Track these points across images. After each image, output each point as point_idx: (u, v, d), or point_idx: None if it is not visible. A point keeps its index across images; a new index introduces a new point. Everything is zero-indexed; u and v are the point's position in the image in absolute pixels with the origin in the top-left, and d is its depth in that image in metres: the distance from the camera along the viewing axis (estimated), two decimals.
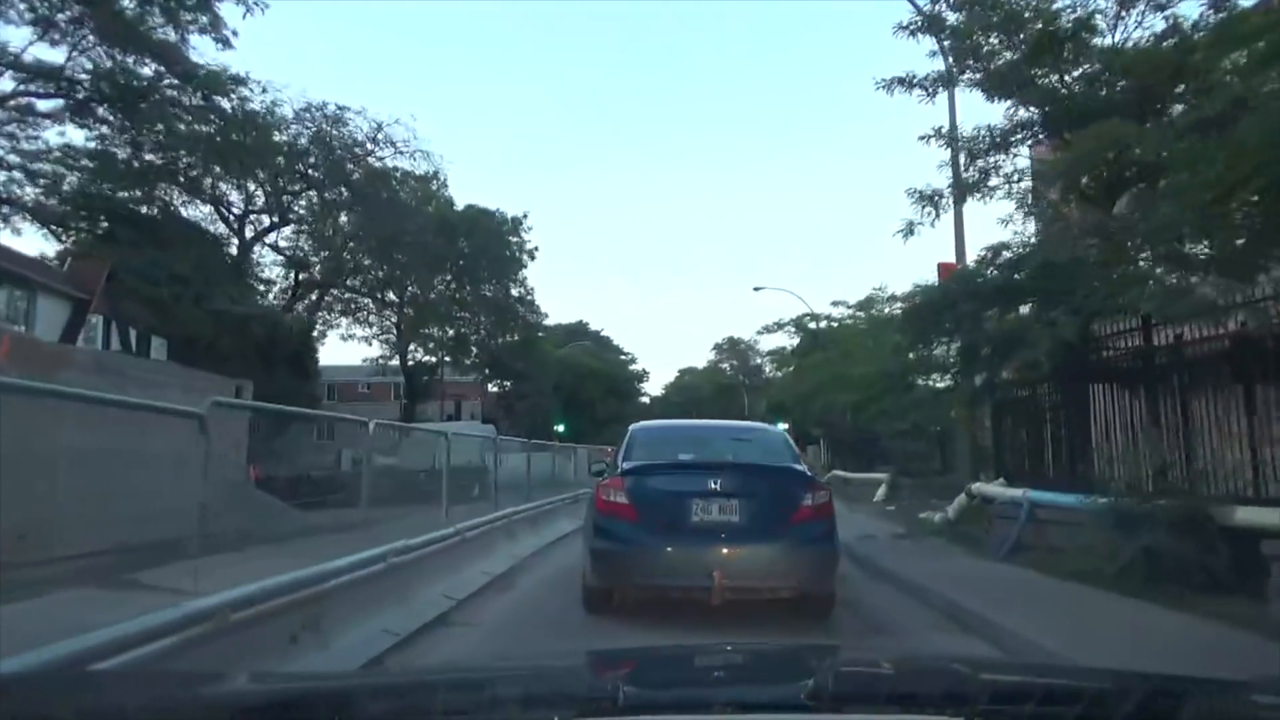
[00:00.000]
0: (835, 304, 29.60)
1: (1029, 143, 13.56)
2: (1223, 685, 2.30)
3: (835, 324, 35.14)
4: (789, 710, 1.99)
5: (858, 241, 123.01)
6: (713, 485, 7.26)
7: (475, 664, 4.83)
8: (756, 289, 42.92)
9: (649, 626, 6.91)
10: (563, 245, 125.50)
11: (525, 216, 40.67)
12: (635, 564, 7.16)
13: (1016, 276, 11.42)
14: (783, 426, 42.28)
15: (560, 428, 56.60)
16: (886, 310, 28.61)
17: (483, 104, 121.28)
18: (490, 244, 36.86)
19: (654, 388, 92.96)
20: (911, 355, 14.02)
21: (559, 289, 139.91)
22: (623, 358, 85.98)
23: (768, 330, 43.19)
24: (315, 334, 48.33)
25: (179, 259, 20.89)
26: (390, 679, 3.29)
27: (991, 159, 13.11)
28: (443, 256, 36.24)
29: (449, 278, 38.72)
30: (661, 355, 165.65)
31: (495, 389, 70.30)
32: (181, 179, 23.17)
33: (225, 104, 22.21)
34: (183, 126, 21.64)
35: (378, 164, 31.30)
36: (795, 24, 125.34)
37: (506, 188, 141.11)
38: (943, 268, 18.82)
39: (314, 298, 36.44)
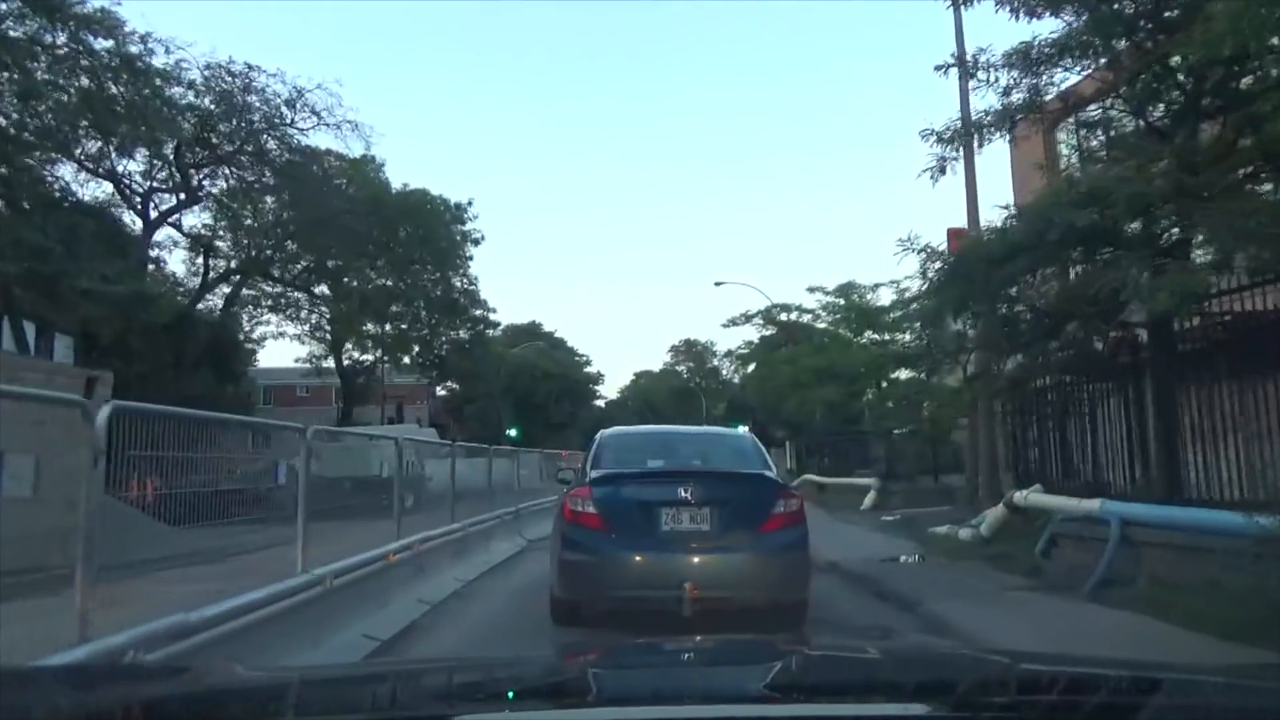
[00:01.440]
0: (811, 290, 26.58)
1: (1087, 63, 10.72)
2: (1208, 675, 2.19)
3: (810, 314, 32.34)
4: (763, 701, 1.93)
5: (825, 238, 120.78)
6: (683, 493, 6.96)
7: (451, 656, 4.96)
8: (718, 284, 39.71)
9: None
10: (516, 245, 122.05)
11: (470, 204, 37.16)
12: (604, 575, 6.87)
13: (1097, 216, 8.42)
14: (742, 429, 39.57)
15: (512, 432, 53.45)
16: (871, 296, 25.79)
17: (425, 93, 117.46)
18: (429, 230, 33.07)
19: (609, 390, 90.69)
20: (953, 328, 10.89)
21: (511, 289, 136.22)
22: (578, 359, 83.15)
23: (733, 323, 40.02)
24: (246, 331, 44.84)
25: (32, 227, 17.13)
26: (367, 670, 3.32)
27: (1044, 76, 10.22)
28: (379, 243, 32.53)
29: (381, 263, 34.97)
30: (617, 357, 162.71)
31: (444, 392, 66.82)
32: (32, 138, 19.12)
33: (102, 47, 18.47)
34: (41, 69, 17.84)
35: (299, 135, 27.70)
36: (757, 11, 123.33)
37: (453, 187, 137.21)
38: (953, 234, 16.17)
39: (231, 288, 32.60)
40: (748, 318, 38.28)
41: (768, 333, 38.92)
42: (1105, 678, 2.03)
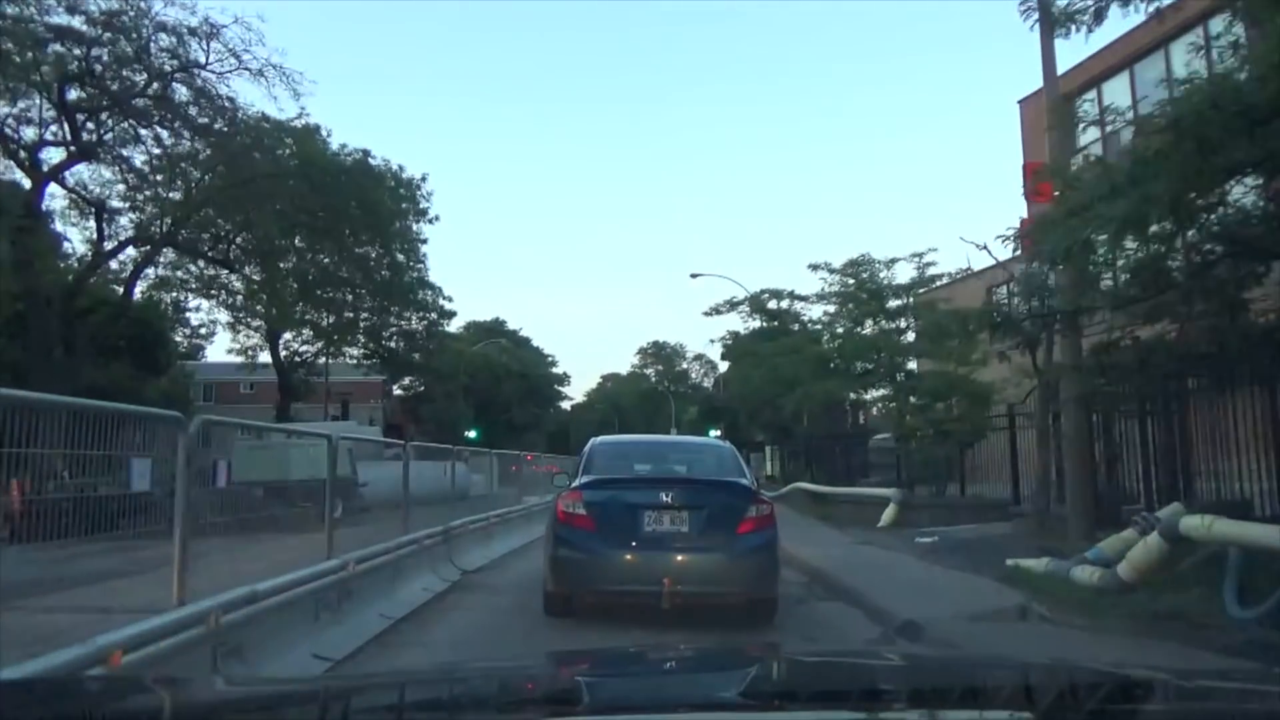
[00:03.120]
0: (814, 268, 22.56)
1: None
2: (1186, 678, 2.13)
3: (803, 301, 28.73)
4: (748, 709, 1.94)
5: (808, 237, 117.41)
6: (664, 498, 7.59)
7: (441, 667, 4.68)
8: (694, 275, 35.89)
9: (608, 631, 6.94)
10: (482, 241, 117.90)
11: (425, 179, 32.60)
12: (591, 571, 7.49)
13: None
14: (714, 434, 35.90)
15: (472, 433, 49.43)
16: (886, 274, 22.05)
17: (384, 82, 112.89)
18: (371, 198, 28.50)
19: (576, 393, 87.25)
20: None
21: (476, 285, 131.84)
22: (544, 359, 79.40)
23: (716, 311, 36.24)
24: (195, 327, 40.36)
25: None
26: (358, 681, 3.24)
27: None
28: (312, 213, 28.07)
29: (325, 244, 30.49)
30: (584, 359, 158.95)
31: (401, 391, 62.53)
32: None
33: None
34: None
35: (215, 81, 23.51)
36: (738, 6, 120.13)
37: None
38: (1031, 168, 12.81)
39: (136, 263, 28.16)
40: (732, 305, 34.57)
41: (753, 324, 35.28)
42: (1100, 683, 1.97)
